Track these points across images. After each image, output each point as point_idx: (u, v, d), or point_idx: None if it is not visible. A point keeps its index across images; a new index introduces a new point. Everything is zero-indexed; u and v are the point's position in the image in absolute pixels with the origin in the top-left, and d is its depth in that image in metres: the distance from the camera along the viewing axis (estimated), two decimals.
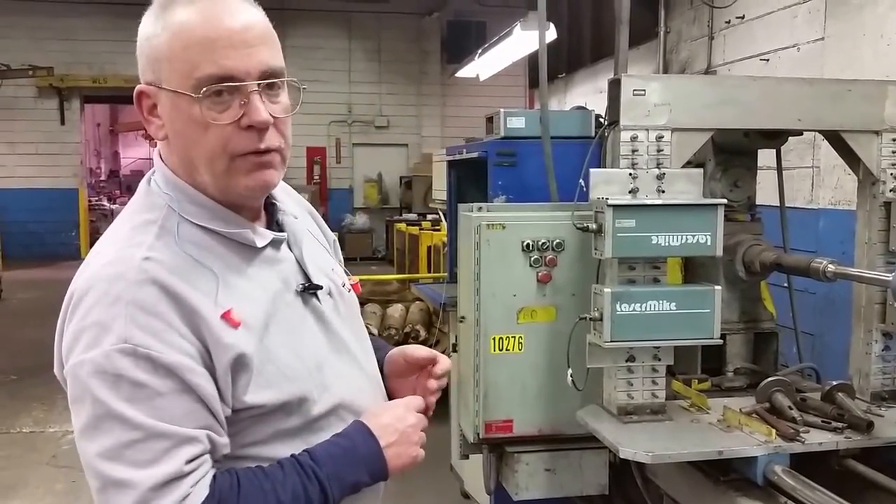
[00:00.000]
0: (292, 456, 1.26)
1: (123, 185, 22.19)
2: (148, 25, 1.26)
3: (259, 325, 1.26)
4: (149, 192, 1.33)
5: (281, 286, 1.34)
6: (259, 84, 1.23)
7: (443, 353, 1.59)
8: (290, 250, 1.39)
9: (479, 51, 9.95)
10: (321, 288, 1.39)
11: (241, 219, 1.32)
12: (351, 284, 1.54)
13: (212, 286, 1.23)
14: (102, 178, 22.71)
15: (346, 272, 1.56)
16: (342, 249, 1.67)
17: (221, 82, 1.20)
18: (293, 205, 1.49)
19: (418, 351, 1.56)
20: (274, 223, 1.41)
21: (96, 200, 18.17)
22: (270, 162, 1.28)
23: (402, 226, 9.75)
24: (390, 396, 1.51)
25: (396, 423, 1.35)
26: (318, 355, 1.34)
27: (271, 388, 1.25)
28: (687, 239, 2.21)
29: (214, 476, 1.18)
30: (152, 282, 1.18)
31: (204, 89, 1.20)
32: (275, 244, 1.36)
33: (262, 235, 1.33)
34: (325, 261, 1.50)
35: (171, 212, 1.28)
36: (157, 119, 1.29)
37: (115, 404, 1.14)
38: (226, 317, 1.22)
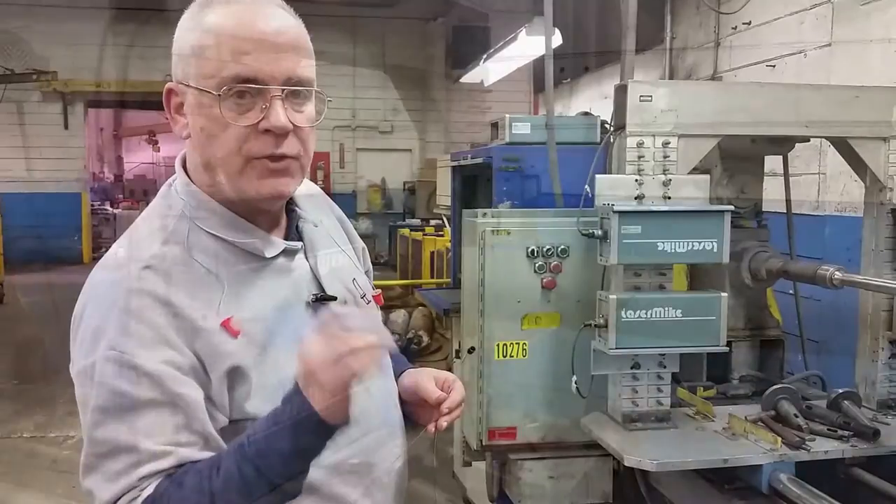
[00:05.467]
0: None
1: (126, 190, 22.25)
2: (184, 23, 1.27)
3: (261, 336, 1.24)
4: (167, 196, 1.33)
5: (291, 297, 1.32)
6: (283, 90, 1.22)
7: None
8: (307, 259, 1.37)
9: (484, 56, 9.95)
10: (335, 299, 1.37)
11: (254, 227, 1.31)
12: (373, 296, 1.51)
13: (215, 294, 1.23)
14: (105, 182, 22.76)
15: (371, 283, 1.53)
16: None
17: (246, 83, 1.21)
18: (316, 212, 1.47)
19: (430, 389, 1.45)
20: (293, 230, 1.39)
21: (99, 205, 18.20)
22: (285, 170, 1.26)
23: (406, 231, 9.75)
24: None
25: (311, 364, 1.14)
26: None
27: (272, 400, 1.21)
28: (693, 245, 2.20)
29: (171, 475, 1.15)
30: (146, 291, 1.18)
31: (226, 88, 1.20)
32: (288, 254, 1.34)
33: (274, 245, 1.32)
34: (347, 271, 1.47)
35: (184, 217, 1.28)
36: (182, 117, 1.29)
37: (95, 413, 1.15)
38: (225, 325, 1.21)
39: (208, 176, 1.28)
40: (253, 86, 1.21)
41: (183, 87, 1.26)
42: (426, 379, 1.48)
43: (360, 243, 1.60)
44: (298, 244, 1.36)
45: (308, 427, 1.14)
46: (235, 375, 1.21)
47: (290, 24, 1.26)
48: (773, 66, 5.68)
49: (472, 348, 2.57)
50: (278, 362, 1.25)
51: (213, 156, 1.25)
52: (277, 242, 1.33)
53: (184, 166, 1.34)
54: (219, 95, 1.20)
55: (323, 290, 1.37)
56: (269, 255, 1.31)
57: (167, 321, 1.18)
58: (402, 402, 1.50)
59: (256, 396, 1.22)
